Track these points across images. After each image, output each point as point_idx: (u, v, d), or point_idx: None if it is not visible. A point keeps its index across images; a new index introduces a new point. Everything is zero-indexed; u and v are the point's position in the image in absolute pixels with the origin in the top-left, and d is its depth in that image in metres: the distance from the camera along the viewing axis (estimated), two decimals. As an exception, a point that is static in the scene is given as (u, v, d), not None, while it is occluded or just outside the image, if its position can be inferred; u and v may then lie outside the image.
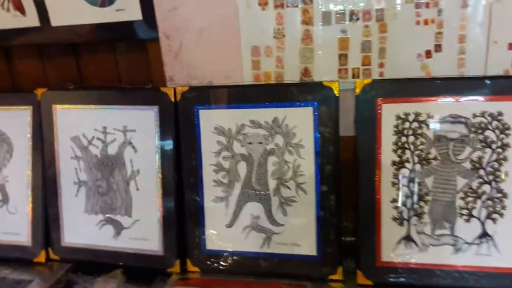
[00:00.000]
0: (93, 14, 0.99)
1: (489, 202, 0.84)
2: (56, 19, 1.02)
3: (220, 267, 0.98)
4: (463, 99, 0.84)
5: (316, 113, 0.89)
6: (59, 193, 1.06)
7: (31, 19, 1.03)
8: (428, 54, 0.88)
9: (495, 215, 0.85)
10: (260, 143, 0.93)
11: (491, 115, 0.83)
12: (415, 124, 0.86)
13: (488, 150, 0.84)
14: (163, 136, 0.97)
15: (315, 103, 0.89)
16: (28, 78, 1.13)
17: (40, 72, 1.15)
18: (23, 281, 1.00)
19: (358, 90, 0.87)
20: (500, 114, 0.83)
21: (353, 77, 0.91)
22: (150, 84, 1.00)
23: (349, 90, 0.89)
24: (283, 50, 0.92)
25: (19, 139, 1.08)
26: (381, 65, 0.90)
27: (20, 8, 1.03)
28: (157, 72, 1.02)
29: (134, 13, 0.96)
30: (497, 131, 0.83)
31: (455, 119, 0.84)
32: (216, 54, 0.95)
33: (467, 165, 0.85)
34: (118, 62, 1.09)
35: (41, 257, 1.07)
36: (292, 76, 0.94)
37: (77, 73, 1.13)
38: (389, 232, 0.88)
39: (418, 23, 0.87)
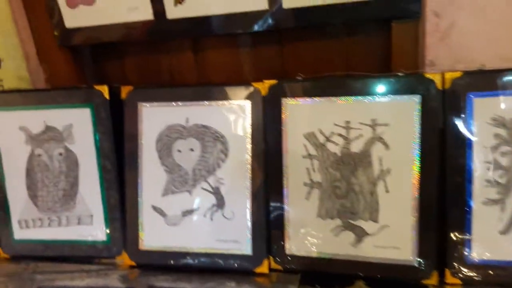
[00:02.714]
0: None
1: None
2: None
3: (488, 279, 0.81)
4: None
5: None
6: (284, 195, 0.90)
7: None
8: None
9: None
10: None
11: None
12: None
13: None
14: (424, 130, 0.81)
15: None
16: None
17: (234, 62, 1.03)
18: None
19: None
20: None
21: None
22: (403, 71, 0.83)
23: None
24: None
25: (235, 137, 0.93)
26: None
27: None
28: (400, 57, 0.87)
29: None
30: None
31: None
32: (496, 34, 0.78)
33: None
34: (341, 48, 0.95)
35: (264, 267, 0.92)
36: None
37: (281, 63, 1.00)
38: None
39: None
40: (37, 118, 1.00)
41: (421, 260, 0.82)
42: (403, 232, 0.83)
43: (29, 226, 1.03)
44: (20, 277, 0.98)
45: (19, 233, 1.04)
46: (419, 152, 0.80)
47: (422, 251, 0.82)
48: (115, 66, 1.13)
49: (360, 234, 0.85)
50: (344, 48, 0.95)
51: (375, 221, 0.84)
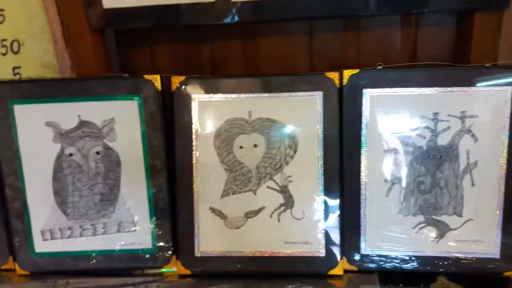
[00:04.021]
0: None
1: None
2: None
3: None
4: None
5: None
6: (362, 193, 0.83)
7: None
8: None
9: None
10: None
11: None
12: None
13: None
14: (516, 123, 0.78)
15: None
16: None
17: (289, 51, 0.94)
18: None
19: None
20: None
21: None
22: (489, 62, 0.80)
23: None
24: None
25: (305, 131, 0.84)
26: None
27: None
28: (480, 48, 0.83)
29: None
30: None
31: None
32: None
33: None
34: (408, 38, 0.90)
35: (338, 269, 0.84)
36: None
37: (341, 52, 0.93)
38: None
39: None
40: (69, 112, 0.83)
41: (505, 254, 0.79)
42: (487, 226, 0.80)
43: (55, 237, 0.87)
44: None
45: (41, 246, 0.87)
46: (507, 145, 0.77)
47: (506, 245, 0.79)
48: (142, 54, 0.98)
49: (443, 230, 0.81)
50: (411, 38, 0.90)
51: (459, 215, 0.80)
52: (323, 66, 0.93)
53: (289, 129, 0.82)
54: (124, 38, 0.97)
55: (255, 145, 0.83)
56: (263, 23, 0.92)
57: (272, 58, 0.94)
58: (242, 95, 0.83)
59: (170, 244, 0.86)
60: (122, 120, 0.83)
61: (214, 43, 0.95)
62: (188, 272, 0.85)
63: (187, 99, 0.83)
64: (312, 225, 0.83)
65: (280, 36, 0.93)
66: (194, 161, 0.84)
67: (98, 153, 0.83)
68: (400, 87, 0.79)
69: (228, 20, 0.86)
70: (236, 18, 0.86)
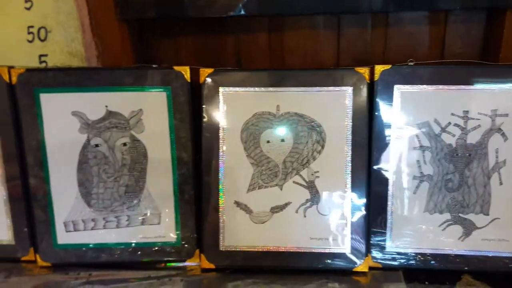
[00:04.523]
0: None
1: None
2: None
3: None
4: None
5: None
6: (389, 189, 0.82)
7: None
8: None
9: None
10: None
11: None
12: None
13: None
14: (545, 122, 0.77)
15: None
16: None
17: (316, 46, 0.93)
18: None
19: None
20: None
21: None
22: None
23: None
24: None
25: (333, 127, 0.83)
26: None
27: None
28: (510, 46, 0.82)
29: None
30: None
31: None
32: None
33: None
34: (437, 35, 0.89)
35: (364, 266, 0.84)
36: None
37: (367, 48, 0.92)
38: None
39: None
40: (96, 102, 0.81)
41: (531, 252, 0.79)
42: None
43: (78, 229, 0.85)
44: (70, 289, 0.81)
45: (64, 237, 0.86)
46: (537, 144, 0.77)
47: (531, 244, 0.79)
48: (165, 46, 0.97)
49: (469, 228, 0.80)
50: (439, 35, 0.89)
51: (486, 214, 0.80)
52: (349, 61, 0.92)
53: (317, 124, 0.81)
54: (148, 29, 0.95)
55: (282, 140, 0.82)
56: (290, 17, 0.91)
57: (297, 52, 0.93)
58: (271, 89, 0.82)
59: (194, 237, 0.85)
60: (150, 112, 0.81)
61: (239, 36, 0.94)
62: (212, 266, 0.84)
63: (215, 92, 0.82)
64: (338, 221, 0.82)
65: (307, 30, 0.92)
66: (220, 154, 0.83)
67: (124, 144, 0.82)
68: (431, 84, 0.78)
69: (254, 12, 0.84)
70: (262, 11, 0.84)
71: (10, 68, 0.80)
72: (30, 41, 0.80)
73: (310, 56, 0.93)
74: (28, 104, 0.81)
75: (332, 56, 0.93)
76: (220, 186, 0.83)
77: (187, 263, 0.86)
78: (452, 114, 0.78)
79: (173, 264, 0.87)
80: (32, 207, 0.84)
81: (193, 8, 0.84)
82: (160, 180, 0.83)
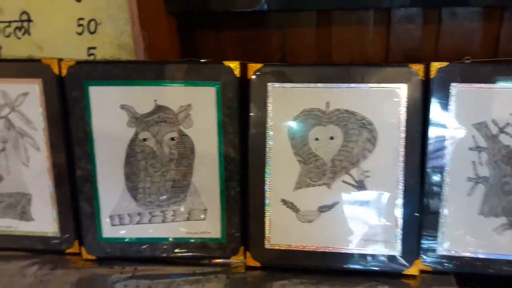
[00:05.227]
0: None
1: None
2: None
3: None
4: None
5: None
6: (443, 191, 0.79)
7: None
8: None
9: None
10: None
11: None
12: None
13: None
14: None
15: None
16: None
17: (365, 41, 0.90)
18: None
19: None
20: None
21: None
22: None
23: None
24: None
25: (385, 125, 0.80)
26: None
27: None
28: None
29: None
30: None
31: None
32: None
33: None
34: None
35: (414, 269, 0.81)
36: None
37: (418, 44, 0.89)
38: None
39: None
40: (145, 96, 0.80)
41: None
42: None
43: (124, 223, 0.84)
44: (114, 283, 0.80)
45: (109, 231, 0.85)
46: None
47: None
48: (207, 40, 0.95)
49: (527, 233, 0.77)
50: (494, 32, 0.85)
51: (545, 218, 0.76)
52: (398, 58, 0.89)
53: (368, 121, 0.78)
54: (192, 23, 0.93)
55: (332, 138, 0.80)
56: (338, 11, 0.88)
57: (345, 48, 0.90)
58: (320, 85, 0.79)
59: (239, 234, 0.83)
60: (198, 107, 0.80)
61: (285, 30, 0.92)
62: (257, 264, 0.82)
63: (263, 87, 0.80)
64: (388, 223, 0.80)
65: (356, 25, 0.89)
66: (267, 151, 0.81)
67: (172, 139, 0.80)
68: (489, 82, 0.74)
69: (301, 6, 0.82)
70: (310, 6, 0.82)
71: (60, 60, 0.80)
72: (79, 34, 0.79)
73: (358, 51, 0.90)
74: (77, 97, 0.80)
75: (380, 52, 0.90)
76: (267, 184, 0.81)
77: (231, 260, 0.84)
78: (511, 114, 0.74)
79: (217, 260, 0.85)
80: (78, 200, 0.83)
81: (242, 2, 0.81)
82: (207, 176, 0.82)
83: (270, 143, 0.80)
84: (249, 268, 0.83)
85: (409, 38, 0.88)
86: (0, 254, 0.87)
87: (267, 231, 0.82)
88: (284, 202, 0.81)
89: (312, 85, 0.79)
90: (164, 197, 0.82)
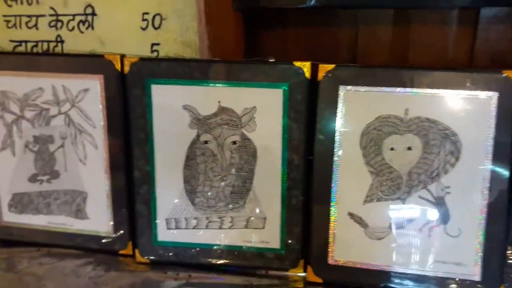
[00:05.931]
0: None
1: None
2: None
3: None
4: None
5: None
6: (534, 213, 0.70)
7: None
8: None
9: None
10: None
11: None
12: None
13: None
14: None
15: None
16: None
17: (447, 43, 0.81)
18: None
19: None
20: None
21: None
22: None
23: None
24: None
25: (472, 137, 0.71)
26: None
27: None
28: None
29: None
30: None
31: None
32: None
33: None
34: None
35: (499, 298, 0.72)
36: None
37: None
38: None
39: None
40: (208, 97, 0.75)
41: None
42: None
43: (180, 227, 0.80)
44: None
45: (164, 234, 0.81)
46: None
47: None
48: (272, 38, 0.89)
49: None
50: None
51: None
52: (485, 62, 0.80)
53: (452, 132, 0.70)
54: (255, 20, 0.87)
55: (409, 148, 0.72)
56: (418, 9, 0.80)
57: (423, 49, 0.82)
58: (398, 89, 0.71)
59: (300, 246, 0.77)
60: (263, 109, 0.74)
61: (356, 28, 0.84)
62: (319, 280, 0.76)
63: (334, 90, 0.73)
64: (468, 245, 0.71)
65: (437, 25, 0.80)
66: (335, 160, 0.74)
67: (234, 142, 0.75)
68: None
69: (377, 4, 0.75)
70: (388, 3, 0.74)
71: (122, 56, 0.76)
72: (143, 29, 0.75)
73: (438, 54, 0.81)
74: (139, 95, 0.76)
75: (463, 55, 0.81)
76: (333, 195, 0.75)
77: (290, 273, 0.78)
78: None
79: (275, 272, 0.79)
80: (134, 201, 0.80)
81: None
82: (268, 183, 0.76)
83: (338, 151, 0.74)
84: (310, 283, 0.77)
85: (498, 41, 0.79)
86: (54, 251, 0.85)
87: (330, 246, 0.75)
88: (352, 216, 0.74)
89: (389, 89, 0.72)
90: (223, 203, 0.77)
